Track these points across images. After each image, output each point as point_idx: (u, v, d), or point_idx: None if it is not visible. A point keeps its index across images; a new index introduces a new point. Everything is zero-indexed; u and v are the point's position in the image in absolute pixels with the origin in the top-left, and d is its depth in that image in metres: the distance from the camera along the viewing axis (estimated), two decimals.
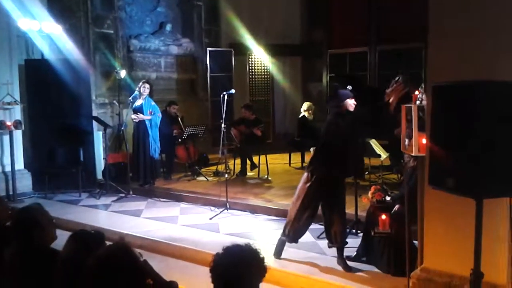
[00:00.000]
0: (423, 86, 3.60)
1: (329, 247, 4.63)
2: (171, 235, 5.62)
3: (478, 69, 2.94)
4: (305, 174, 4.63)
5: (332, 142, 4.44)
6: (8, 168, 7.43)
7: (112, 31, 9.19)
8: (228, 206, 6.47)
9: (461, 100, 2.25)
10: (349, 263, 4.46)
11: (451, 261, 3.18)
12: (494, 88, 2.26)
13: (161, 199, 7.36)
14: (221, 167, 8.36)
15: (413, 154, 3.48)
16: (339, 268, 4.43)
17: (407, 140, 3.58)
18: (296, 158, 9.23)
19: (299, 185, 4.65)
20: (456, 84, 2.37)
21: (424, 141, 3.32)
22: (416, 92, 3.56)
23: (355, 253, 4.61)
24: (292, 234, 4.66)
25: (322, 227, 5.50)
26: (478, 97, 2.21)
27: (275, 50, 11.28)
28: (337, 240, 4.48)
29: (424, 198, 3.41)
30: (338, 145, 4.41)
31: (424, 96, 3.47)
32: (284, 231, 4.72)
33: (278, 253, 4.72)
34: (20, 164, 7.66)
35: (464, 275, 2.82)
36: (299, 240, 4.77)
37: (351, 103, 4.58)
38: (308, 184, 4.52)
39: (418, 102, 3.48)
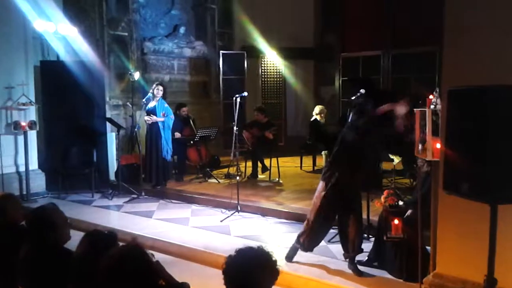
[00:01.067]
0: (437, 90, 3.57)
1: (345, 257, 4.52)
2: (182, 237, 5.64)
3: (501, 71, 2.84)
4: (321, 183, 4.54)
5: (358, 149, 4.33)
6: (22, 168, 7.52)
7: (126, 34, 9.27)
8: (239, 209, 6.48)
9: (478, 105, 2.23)
10: (361, 267, 4.43)
11: (465, 267, 3.15)
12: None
13: (173, 201, 7.39)
14: (232, 170, 8.37)
15: (427, 159, 3.45)
16: (351, 272, 4.40)
17: (420, 145, 3.55)
18: (307, 161, 9.22)
19: (315, 194, 4.59)
20: (473, 89, 2.35)
21: (438, 145, 3.30)
22: (431, 96, 3.53)
23: (367, 257, 4.58)
24: (307, 243, 4.60)
25: (334, 231, 5.50)
26: (495, 102, 2.19)
27: (287, 53, 11.29)
28: (354, 249, 4.43)
29: (437, 203, 3.38)
30: (361, 152, 4.33)
31: (438, 100, 3.44)
32: (298, 239, 4.66)
33: (290, 258, 4.70)
34: (34, 164, 7.74)
35: (478, 281, 2.79)
36: None
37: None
38: (323, 193, 4.44)
39: (432, 106, 3.45)
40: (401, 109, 4.28)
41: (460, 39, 3.08)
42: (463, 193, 2.35)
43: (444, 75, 3.21)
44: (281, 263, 4.48)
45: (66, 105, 7.89)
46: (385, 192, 4.34)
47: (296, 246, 4.69)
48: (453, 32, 3.15)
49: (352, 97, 5.66)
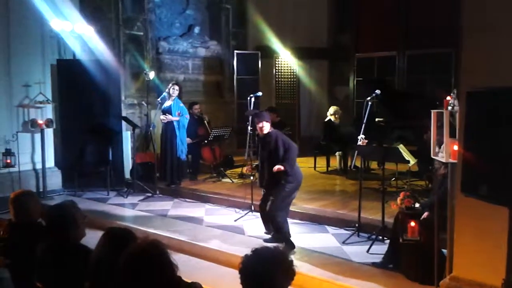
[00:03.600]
0: (455, 92, 3.54)
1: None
2: (196, 236, 5.67)
3: None
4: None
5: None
6: (39, 166, 7.60)
7: (142, 33, 9.33)
8: (253, 209, 6.48)
9: (498, 106, 2.21)
10: (376, 270, 4.41)
11: (482, 270, 3.12)
12: None
13: (187, 200, 7.43)
14: (246, 169, 8.37)
15: (444, 161, 3.43)
16: (364, 274, 4.39)
17: (437, 147, 3.53)
18: (321, 162, 9.19)
19: None
20: (493, 90, 2.33)
21: (455, 147, 3.27)
22: (448, 98, 3.50)
23: (382, 259, 4.56)
24: None
25: (348, 232, 5.51)
26: None
27: (302, 53, 11.26)
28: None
29: (454, 206, 3.35)
30: None
31: (456, 102, 3.41)
32: None
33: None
34: (50, 162, 7.83)
35: (495, 285, 2.77)
36: (325, 245, 4.76)
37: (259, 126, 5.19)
38: None
39: (449, 107, 3.42)
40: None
41: (480, 40, 3.02)
42: (482, 195, 2.34)
43: (462, 77, 3.17)
44: (297, 263, 4.48)
45: (83, 104, 7.97)
46: (402, 194, 4.31)
47: None
48: (471, 32, 3.09)
49: (368, 97, 5.68)
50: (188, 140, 8.12)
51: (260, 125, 5.20)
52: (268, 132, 5.24)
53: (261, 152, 5.43)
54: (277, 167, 5.03)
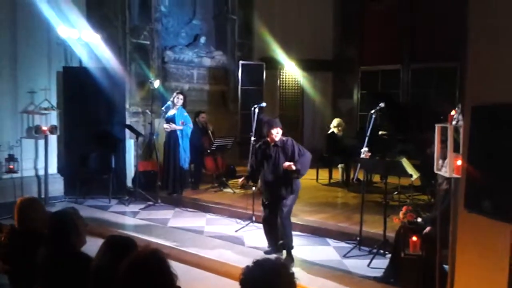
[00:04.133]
0: (459, 106, 3.53)
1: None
2: (197, 246, 5.65)
3: None
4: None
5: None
6: (41, 172, 7.61)
7: (148, 42, 9.39)
8: (254, 219, 6.46)
9: (503, 122, 2.21)
10: (377, 284, 4.37)
11: (484, 287, 3.08)
12: None
13: (188, 209, 7.42)
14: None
15: (447, 176, 3.41)
16: (366, 286, 4.35)
17: (441, 161, 3.51)
18: (323, 174, 9.16)
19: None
20: (498, 106, 2.32)
21: (459, 162, 3.26)
22: (452, 112, 3.49)
23: (383, 274, 4.52)
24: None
25: (349, 245, 5.48)
26: None
27: (306, 65, 11.30)
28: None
29: (456, 221, 3.32)
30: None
31: (460, 117, 3.39)
32: None
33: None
34: (53, 168, 7.84)
35: None
36: (325, 258, 4.77)
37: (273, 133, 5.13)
38: None
39: (454, 122, 3.41)
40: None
41: (486, 53, 2.99)
42: (485, 211, 2.33)
43: (468, 91, 3.16)
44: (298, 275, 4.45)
45: (87, 111, 8.00)
46: (404, 208, 4.28)
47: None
48: (477, 45, 3.04)
49: (371, 110, 5.69)
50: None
51: (276, 131, 5.14)
52: (286, 139, 5.23)
53: (264, 160, 5.31)
54: (288, 164, 5.04)
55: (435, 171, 3.66)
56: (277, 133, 5.16)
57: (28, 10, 7.30)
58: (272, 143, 5.23)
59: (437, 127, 3.59)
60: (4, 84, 7.11)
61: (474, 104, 2.47)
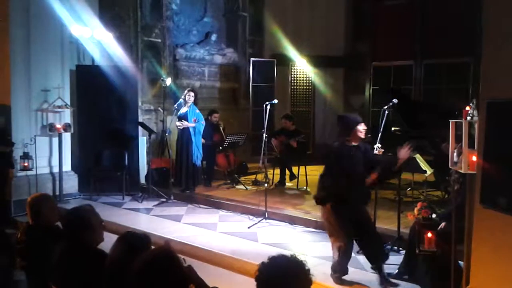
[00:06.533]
0: (474, 102, 3.49)
1: (374, 269, 4.43)
2: (210, 242, 5.68)
3: None
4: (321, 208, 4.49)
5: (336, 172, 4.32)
6: (56, 169, 7.69)
7: (159, 40, 9.43)
8: (266, 216, 6.47)
9: None
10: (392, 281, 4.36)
11: (500, 283, 3.06)
12: None
13: (201, 206, 7.45)
14: (260, 177, 8.38)
15: (462, 171, 3.38)
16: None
17: (455, 157, 3.48)
18: None
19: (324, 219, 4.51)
20: None
21: (474, 158, 3.23)
22: (467, 108, 3.46)
23: (397, 270, 4.51)
24: (342, 266, 4.44)
25: None
26: None
27: (318, 61, 11.25)
28: (377, 257, 4.37)
29: (471, 217, 3.30)
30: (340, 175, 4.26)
31: (475, 112, 3.36)
32: (334, 268, 4.47)
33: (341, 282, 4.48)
34: (67, 166, 7.92)
35: None
36: None
37: (360, 130, 4.33)
38: (327, 215, 4.38)
39: (468, 118, 3.38)
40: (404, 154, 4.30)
41: (502, 48, 2.96)
42: (501, 207, 2.31)
43: (483, 87, 3.13)
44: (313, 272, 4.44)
45: (100, 109, 8.06)
46: (419, 204, 4.25)
47: (336, 276, 4.45)
48: (494, 40, 3.03)
49: (384, 106, 5.66)
50: (202, 140, 8.13)
51: (363, 127, 4.36)
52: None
53: (353, 165, 4.29)
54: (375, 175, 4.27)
55: (450, 167, 3.64)
56: (364, 129, 4.36)
57: (41, 9, 7.36)
58: (355, 144, 4.35)
59: (452, 122, 3.57)
60: (18, 82, 7.18)
61: (490, 99, 2.44)
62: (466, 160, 3.33)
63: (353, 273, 4.60)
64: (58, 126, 7.57)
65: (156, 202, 7.58)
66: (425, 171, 6.38)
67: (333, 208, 4.30)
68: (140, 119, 8.64)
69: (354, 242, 4.44)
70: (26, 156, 7.16)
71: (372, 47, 11.24)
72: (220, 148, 8.51)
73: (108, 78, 7.97)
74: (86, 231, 2.74)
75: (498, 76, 2.98)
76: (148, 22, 9.25)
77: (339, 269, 4.43)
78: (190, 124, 7.77)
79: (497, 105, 2.38)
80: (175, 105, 7.92)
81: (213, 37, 10.70)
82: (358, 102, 11.46)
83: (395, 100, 5.64)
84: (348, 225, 4.28)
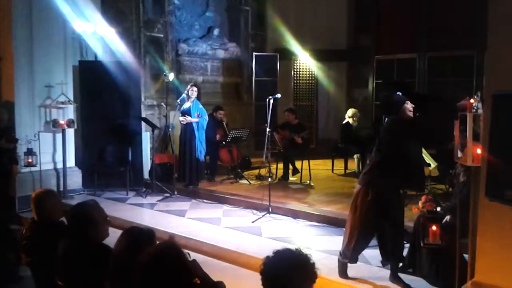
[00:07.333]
0: (478, 94, 3.47)
1: (383, 265, 4.35)
2: (214, 237, 5.69)
3: None
4: (361, 188, 4.21)
5: (394, 152, 4.04)
6: (60, 165, 7.71)
7: (162, 35, 9.42)
8: (270, 210, 6.48)
9: None
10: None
11: (505, 276, 3.06)
12: None
13: (205, 200, 7.46)
14: (263, 171, 8.38)
15: (466, 164, 3.37)
16: (384, 277, 4.34)
17: (460, 150, 3.47)
18: (339, 164, 9.14)
19: (357, 201, 4.22)
20: None
21: (478, 151, 3.21)
22: (472, 100, 3.44)
23: (401, 264, 4.50)
24: (354, 254, 4.33)
25: None
26: None
27: (320, 55, 11.22)
28: (394, 255, 4.21)
29: (476, 210, 3.29)
30: (401, 155, 4.00)
31: (480, 105, 3.35)
32: (344, 253, 4.37)
33: (343, 274, 4.44)
34: (71, 162, 7.94)
35: None
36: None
37: (409, 108, 4.12)
38: (369, 198, 4.11)
39: (473, 110, 3.36)
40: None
41: (506, 40, 2.94)
42: (507, 200, 2.30)
43: (488, 79, 3.11)
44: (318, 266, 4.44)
45: (103, 105, 8.05)
46: (423, 198, 4.24)
47: (344, 262, 4.41)
48: (498, 32, 3.01)
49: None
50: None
51: (411, 105, 4.15)
52: None
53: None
54: None
55: (455, 160, 3.62)
56: (412, 107, 4.12)
57: (44, 5, 7.35)
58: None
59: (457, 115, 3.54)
60: (21, 79, 7.19)
61: (495, 91, 2.43)
62: (471, 153, 3.32)
63: (358, 267, 4.58)
64: (61, 122, 7.57)
65: (160, 197, 7.59)
66: (429, 165, 6.36)
67: (383, 193, 4.10)
68: (143, 115, 8.64)
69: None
70: (30, 152, 7.17)
71: (375, 40, 11.20)
72: (223, 143, 8.51)
73: (111, 73, 7.95)
74: (91, 227, 2.74)
75: (504, 68, 2.97)
76: (151, 17, 9.23)
77: (350, 256, 4.32)
78: (193, 119, 7.77)
79: (503, 97, 2.36)
80: (178, 100, 7.92)
81: (216, 31, 10.68)
82: (361, 95, 11.43)
83: (399, 93, 5.61)
84: (394, 213, 4.13)
